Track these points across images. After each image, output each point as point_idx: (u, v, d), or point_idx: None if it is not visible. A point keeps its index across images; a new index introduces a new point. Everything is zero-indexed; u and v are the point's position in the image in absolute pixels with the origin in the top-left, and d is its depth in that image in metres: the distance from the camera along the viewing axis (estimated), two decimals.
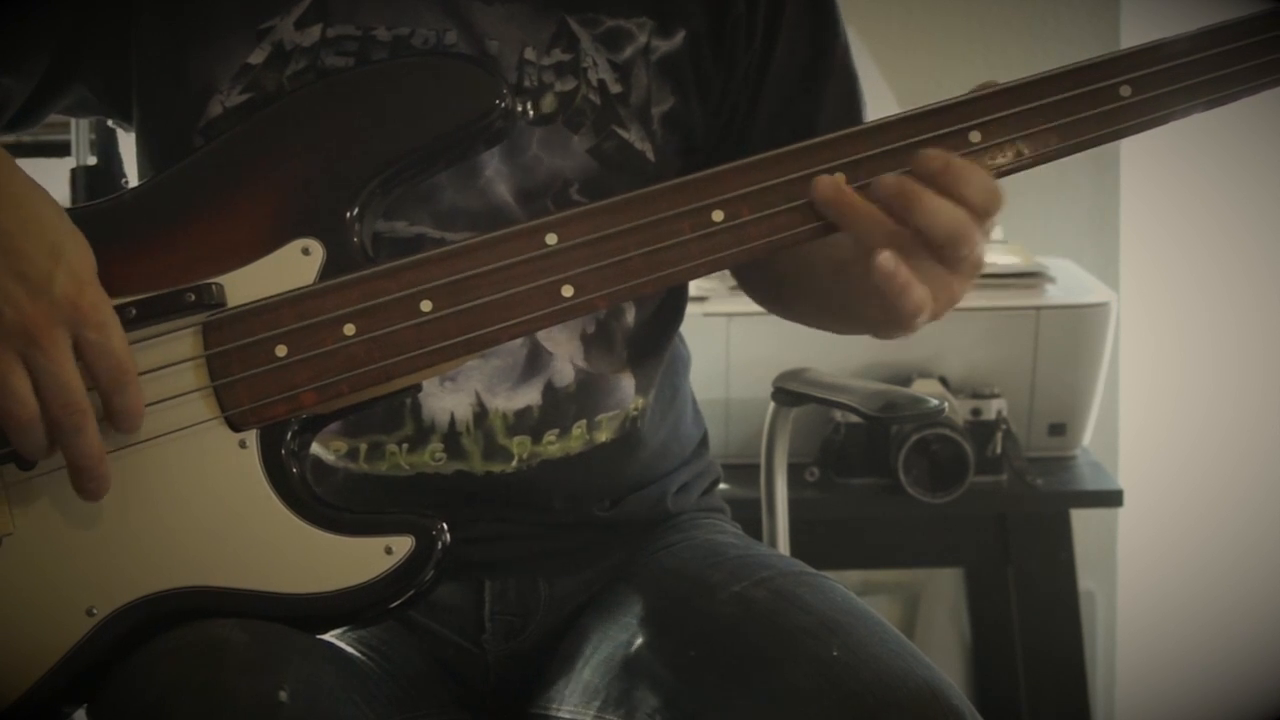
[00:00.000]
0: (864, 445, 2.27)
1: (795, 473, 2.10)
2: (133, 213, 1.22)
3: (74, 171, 1.81)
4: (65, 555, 1.17)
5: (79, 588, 1.17)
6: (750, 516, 1.70)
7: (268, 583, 1.17)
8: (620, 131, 1.34)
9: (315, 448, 1.28)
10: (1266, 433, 2.67)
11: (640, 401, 1.40)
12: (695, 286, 1.50)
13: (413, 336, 1.19)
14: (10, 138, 1.37)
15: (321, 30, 1.30)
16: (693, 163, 1.34)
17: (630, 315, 1.38)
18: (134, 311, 1.17)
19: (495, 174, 1.32)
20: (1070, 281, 2.38)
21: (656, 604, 1.34)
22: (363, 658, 1.32)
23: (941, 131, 1.21)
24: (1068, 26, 2.73)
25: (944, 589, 2.79)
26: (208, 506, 1.18)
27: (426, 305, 1.19)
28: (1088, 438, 2.39)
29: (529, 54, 1.32)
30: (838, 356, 2.15)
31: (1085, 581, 2.61)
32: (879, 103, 1.46)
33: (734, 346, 2.25)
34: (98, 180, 1.78)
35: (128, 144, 1.38)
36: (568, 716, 1.32)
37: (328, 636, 1.23)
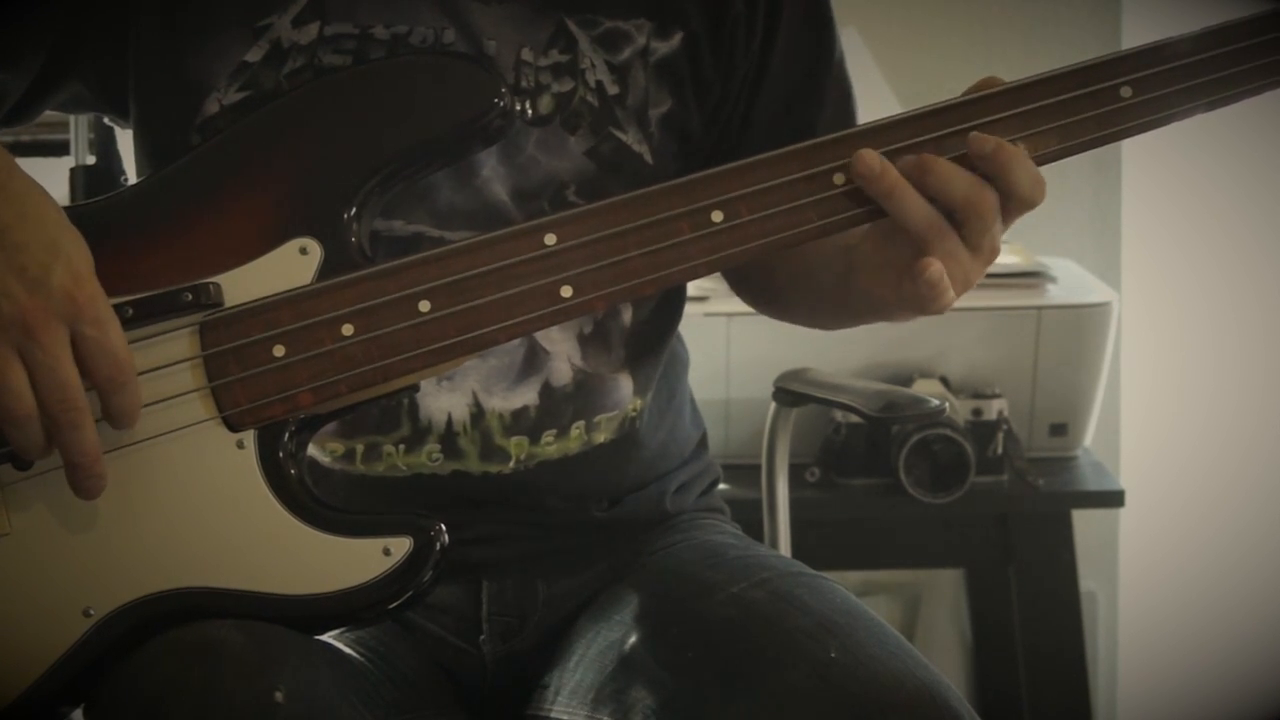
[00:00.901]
0: (865, 445, 2.26)
1: (796, 473, 2.09)
2: (130, 212, 1.22)
3: (73, 171, 1.81)
4: (62, 556, 1.17)
5: (76, 588, 1.16)
6: (751, 517, 1.70)
7: (265, 584, 1.16)
8: (617, 133, 1.34)
9: (312, 449, 1.28)
10: (1268, 433, 2.66)
11: (638, 402, 1.40)
12: (695, 286, 1.49)
13: (411, 337, 1.19)
14: (9, 136, 1.37)
15: (319, 28, 1.30)
16: (691, 165, 1.34)
17: (627, 315, 1.38)
18: (131, 311, 1.17)
19: (492, 174, 1.32)
20: (1071, 281, 2.38)
21: (654, 604, 1.34)
22: (360, 658, 1.32)
23: (942, 132, 1.21)
24: (1069, 27, 2.72)
25: (945, 589, 2.79)
26: (205, 507, 1.17)
27: (425, 305, 1.19)
28: (1089, 438, 2.39)
29: (526, 54, 1.32)
30: (838, 356, 2.15)
31: (1086, 582, 2.60)
32: (880, 103, 1.46)
33: (734, 346, 2.25)
34: (97, 179, 1.78)
35: (127, 143, 1.38)
36: (562, 716, 1.32)
37: (325, 637, 1.23)
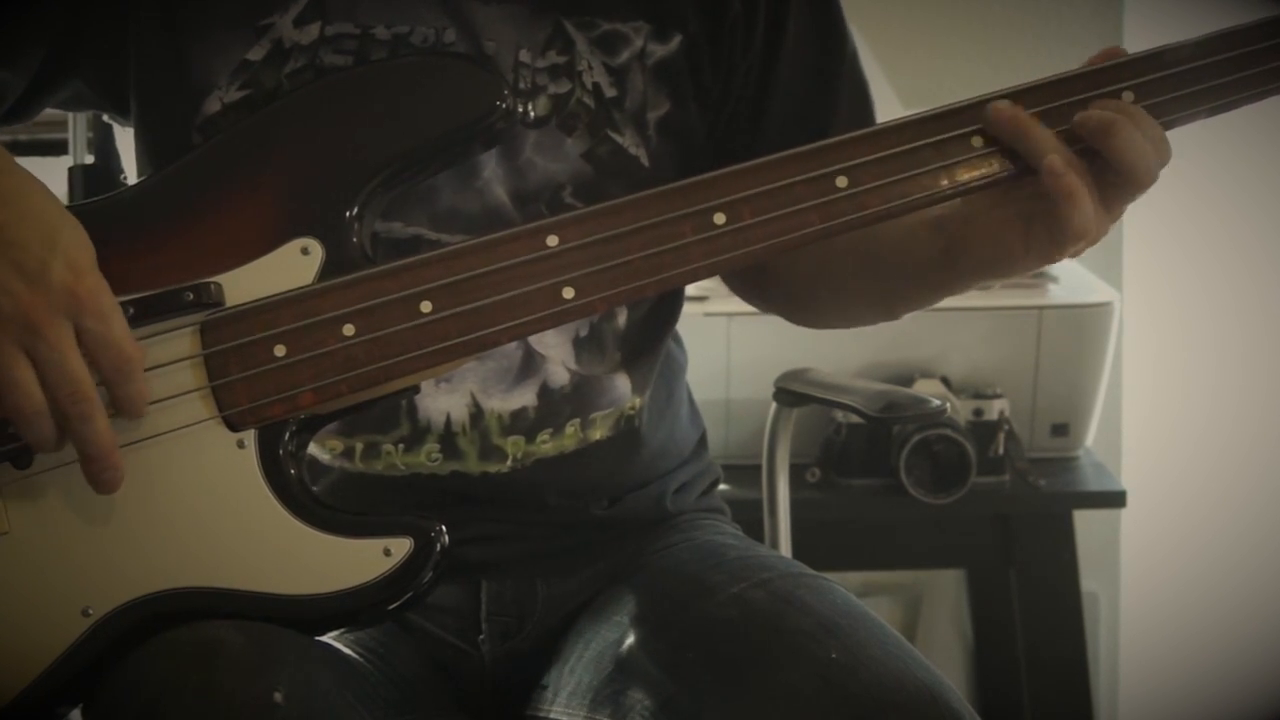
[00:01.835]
0: (865, 446, 2.26)
1: (796, 473, 2.09)
2: (130, 211, 1.21)
3: (72, 170, 1.81)
4: (61, 555, 1.16)
5: (75, 588, 1.16)
6: (751, 517, 1.69)
7: (265, 584, 1.16)
8: (614, 136, 1.34)
9: (311, 446, 1.28)
10: (1270, 433, 2.66)
11: (636, 401, 1.40)
12: (695, 286, 1.49)
13: (412, 337, 1.19)
14: (6, 135, 1.37)
15: (320, 28, 1.30)
16: (694, 168, 1.33)
17: (622, 318, 1.38)
18: (131, 310, 1.17)
19: (492, 176, 1.32)
20: (1073, 281, 2.38)
21: (654, 604, 1.34)
22: (359, 659, 1.32)
23: (944, 135, 1.21)
24: (1070, 27, 2.72)
25: (946, 590, 2.79)
26: (205, 507, 1.17)
27: (426, 306, 1.19)
28: (1090, 438, 2.38)
29: (524, 55, 1.32)
30: (839, 356, 2.15)
31: (1088, 583, 2.60)
32: (881, 102, 1.45)
33: (735, 346, 2.25)
34: (96, 179, 1.77)
35: (126, 142, 1.37)
36: (561, 717, 1.32)
37: (324, 638, 1.23)
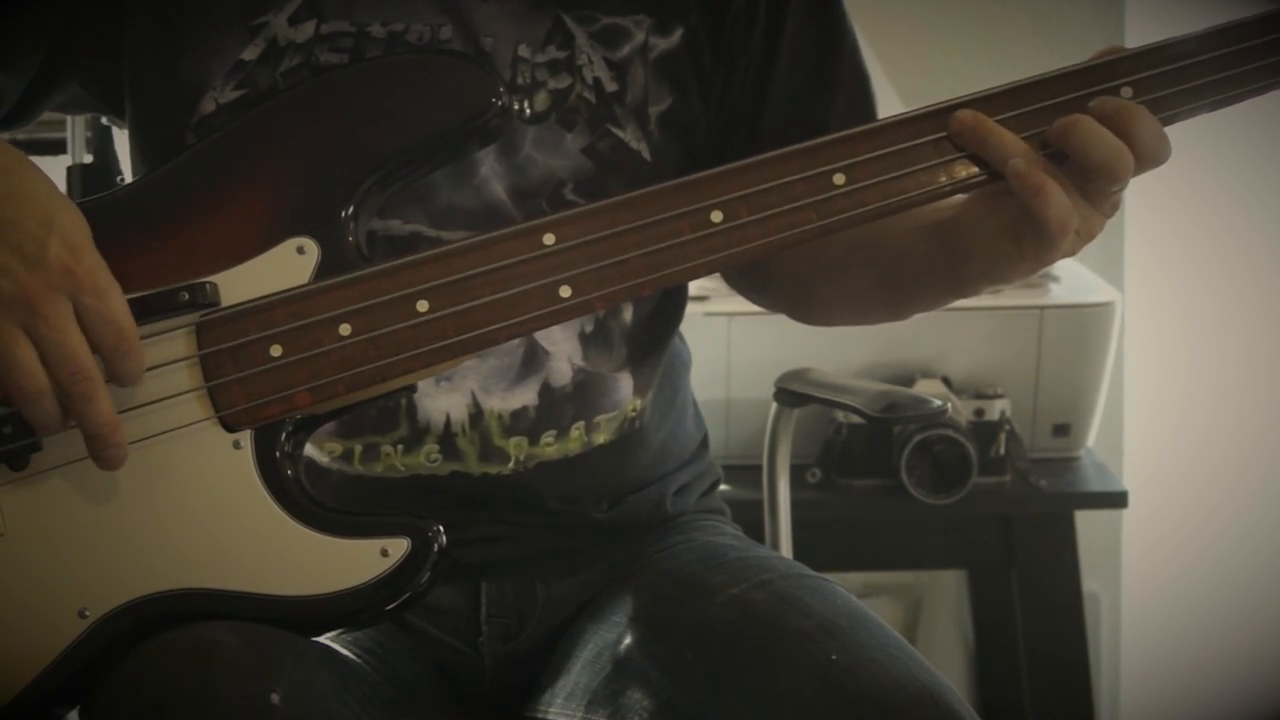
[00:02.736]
0: (866, 446, 2.26)
1: (797, 474, 2.09)
2: (125, 210, 1.21)
3: (70, 169, 1.81)
4: (57, 556, 1.16)
5: (71, 589, 1.16)
6: (751, 518, 1.69)
7: (262, 585, 1.16)
8: (615, 131, 1.33)
9: (310, 449, 1.27)
10: (1272, 433, 2.66)
11: (639, 402, 1.39)
12: (696, 286, 1.49)
13: (409, 337, 1.18)
14: (4, 134, 1.37)
15: (315, 26, 1.29)
16: (696, 163, 1.33)
17: (628, 314, 1.37)
18: None
19: (490, 173, 1.31)
20: (1074, 281, 2.37)
21: (654, 605, 1.34)
22: (358, 660, 1.31)
23: (943, 134, 1.20)
24: (1072, 24, 2.72)
25: (947, 591, 2.78)
26: (201, 508, 1.17)
27: (423, 305, 1.18)
28: (1092, 438, 2.38)
29: (523, 51, 1.31)
30: (840, 357, 2.15)
31: (1089, 583, 2.60)
32: (882, 101, 1.45)
33: (735, 346, 2.25)
34: (93, 178, 1.78)
35: (124, 141, 1.37)
36: (560, 718, 1.31)
37: (322, 639, 1.22)
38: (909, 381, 2.26)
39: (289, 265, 1.19)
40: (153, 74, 1.31)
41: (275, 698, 1.08)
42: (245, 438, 1.18)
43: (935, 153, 1.20)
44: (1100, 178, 1.17)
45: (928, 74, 2.63)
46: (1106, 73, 1.21)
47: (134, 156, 1.36)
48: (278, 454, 1.18)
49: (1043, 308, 2.28)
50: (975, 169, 1.21)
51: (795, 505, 1.81)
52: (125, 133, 1.37)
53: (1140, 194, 2.73)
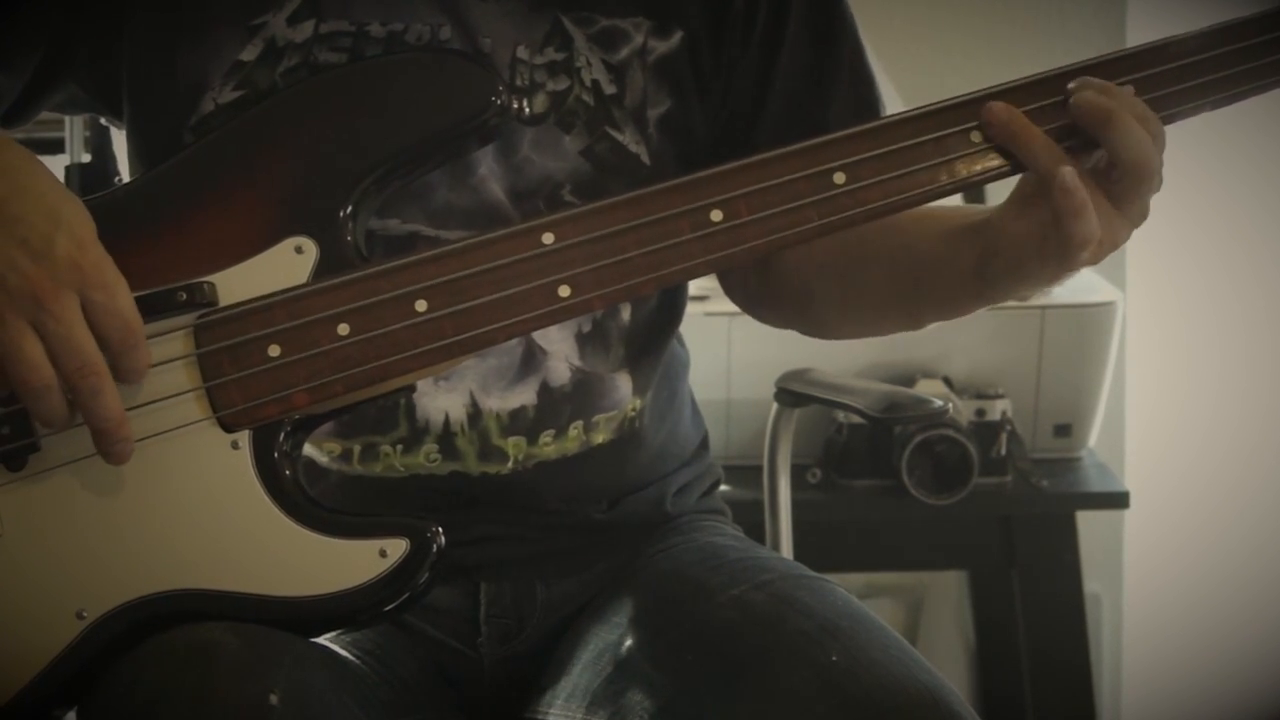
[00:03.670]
0: (867, 446, 2.26)
1: (797, 474, 2.09)
2: (123, 210, 1.21)
3: (68, 169, 1.82)
4: (55, 557, 1.16)
5: (69, 590, 1.16)
6: (752, 518, 1.69)
7: (260, 585, 1.16)
8: (614, 133, 1.33)
9: (308, 449, 1.27)
10: (1274, 433, 2.66)
11: (637, 402, 1.39)
12: (696, 286, 1.48)
13: (408, 336, 1.18)
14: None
15: (314, 26, 1.29)
16: (695, 165, 1.33)
17: (626, 314, 1.37)
18: None
19: (489, 173, 1.31)
20: (1076, 280, 2.33)
21: (654, 606, 1.33)
22: (356, 661, 1.31)
23: (943, 132, 1.20)
24: (1073, 23, 2.72)
25: (948, 591, 2.78)
26: (199, 508, 1.17)
27: (422, 305, 1.18)
28: (1093, 439, 2.38)
29: (522, 52, 1.31)
30: (840, 357, 2.14)
31: (1091, 584, 2.60)
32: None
33: (736, 346, 2.25)
34: (92, 177, 1.78)
35: (122, 141, 1.37)
36: (558, 718, 1.31)
37: (321, 640, 1.22)
38: (910, 381, 2.26)
39: (287, 265, 1.19)
40: (151, 74, 1.30)
41: (274, 698, 1.08)
42: (243, 438, 1.17)
43: (936, 151, 1.20)
44: (1129, 175, 1.17)
45: (929, 73, 2.63)
46: (1109, 70, 1.20)
47: (132, 156, 1.36)
48: (276, 454, 1.18)
49: (1044, 308, 2.28)
50: (976, 168, 1.20)
51: (796, 506, 1.81)
52: (123, 133, 1.37)
53: None
